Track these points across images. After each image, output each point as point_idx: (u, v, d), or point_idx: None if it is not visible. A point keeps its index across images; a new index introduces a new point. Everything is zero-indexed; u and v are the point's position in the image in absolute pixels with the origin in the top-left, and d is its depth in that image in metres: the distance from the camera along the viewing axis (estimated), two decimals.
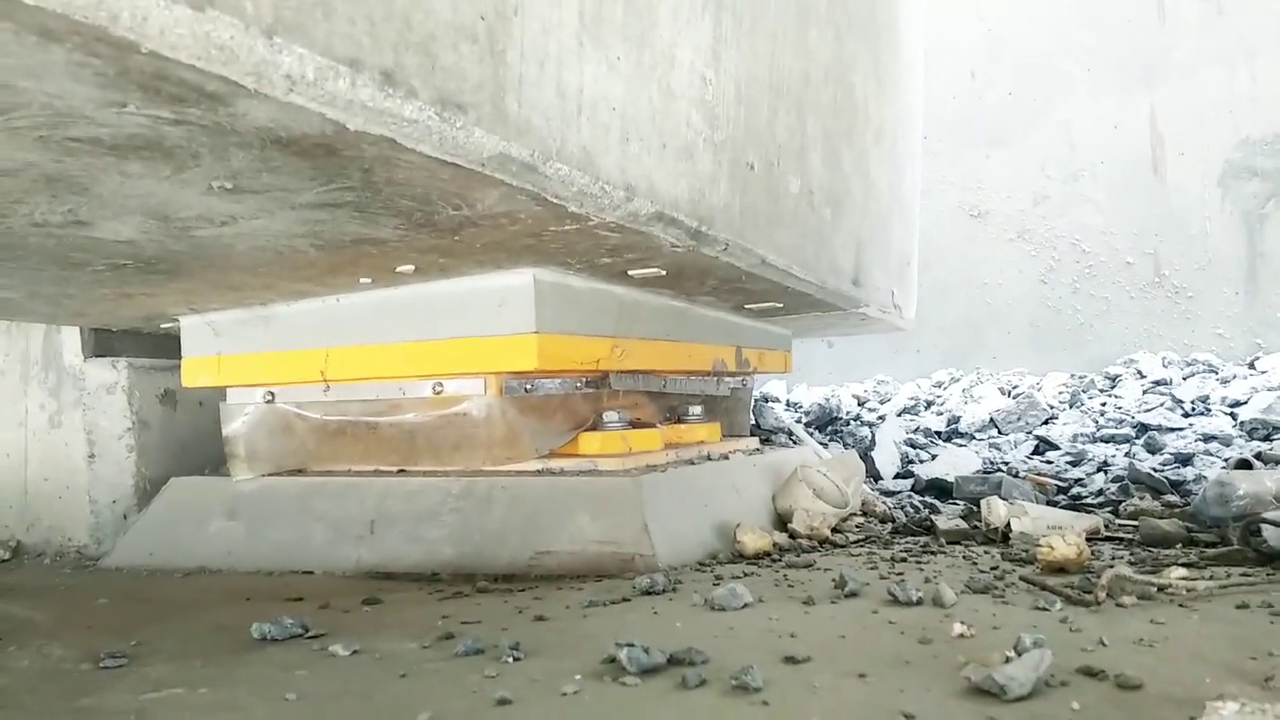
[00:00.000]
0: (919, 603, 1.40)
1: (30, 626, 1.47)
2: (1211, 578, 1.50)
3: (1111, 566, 1.47)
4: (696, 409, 2.53)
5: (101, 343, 2.35)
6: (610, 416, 2.12)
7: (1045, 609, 1.35)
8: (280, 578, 1.84)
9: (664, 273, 1.93)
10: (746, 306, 2.57)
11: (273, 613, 1.36)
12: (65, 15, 0.72)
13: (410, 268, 1.74)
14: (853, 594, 1.48)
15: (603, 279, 1.99)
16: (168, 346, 2.34)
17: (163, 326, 2.32)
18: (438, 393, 1.96)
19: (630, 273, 1.92)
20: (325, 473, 2.09)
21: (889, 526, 2.19)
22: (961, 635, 1.20)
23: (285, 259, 1.60)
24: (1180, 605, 1.35)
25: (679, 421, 2.48)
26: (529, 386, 1.97)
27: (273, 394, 2.11)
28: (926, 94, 3.65)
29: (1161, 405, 3.66)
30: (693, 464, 2.21)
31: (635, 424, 2.22)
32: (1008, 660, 1.00)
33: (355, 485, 2.00)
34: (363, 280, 1.85)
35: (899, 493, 2.76)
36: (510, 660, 1.15)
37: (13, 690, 1.12)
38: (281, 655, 1.24)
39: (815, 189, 2.19)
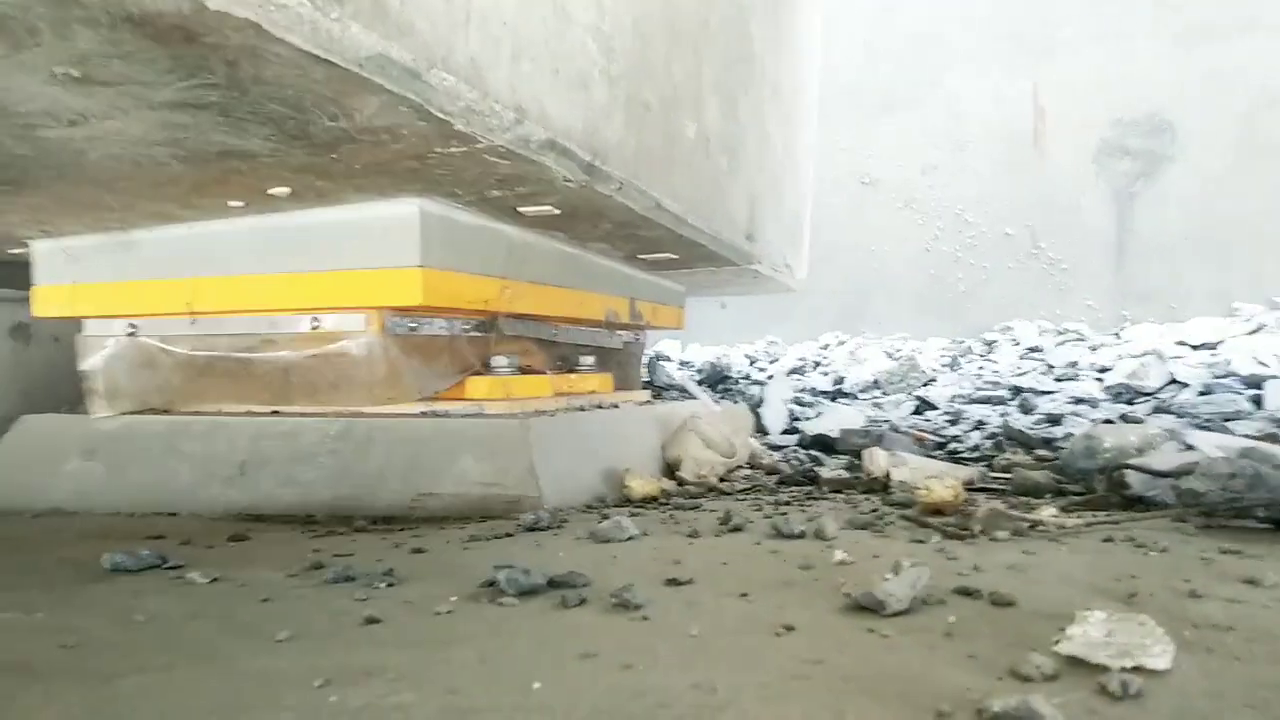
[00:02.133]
0: (801, 535, 1.42)
1: None
2: (1079, 518, 1.55)
3: (987, 504, 1.51)
4: (589, 359, 2.52)
5: None
6: (499, 361, 2.08)
7: (923, 541, 1.38)
8: (142, 519, 1.76)
9: (557, 211, 1.89)
10: (640, 256, 2.56)
11: (128, 548, 1.29)
12: None
13: (285, 190, 1.65)
14: (737, 528, 1.49)
15: (493, 215, 1.95)
16: (18, 276, 2.19)
17: (11, 252, 2.16)
18: (315, 328, 1.88)
19: (522, 210, 1.88)
20: (193, 412, 2.00)
21: (775, 478, 2.22)
22: (842, 562, 1.22)
23: (145, 172, 1.49)
24: (1051, 540, 1.40)
25: (571, 371, 2.46)
26: (413, 325, 1.90)
27: (135, 326, 2.00)
28: (822, 59, 3.67)
29: (1035, 370, 3.81)
30: (583, 410, 2.19)
31: (525, 370, 2.19)
32: (886, 580, 1.01)
33: (225, 425, 1.91)
34: (233, 204, 1.76)
35: (785, 447, 2.80)
36: (382, 586, 1.11)
37: None
38: (133, 584, 1.16)
39: (712, 136, 2.18)
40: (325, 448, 1.83)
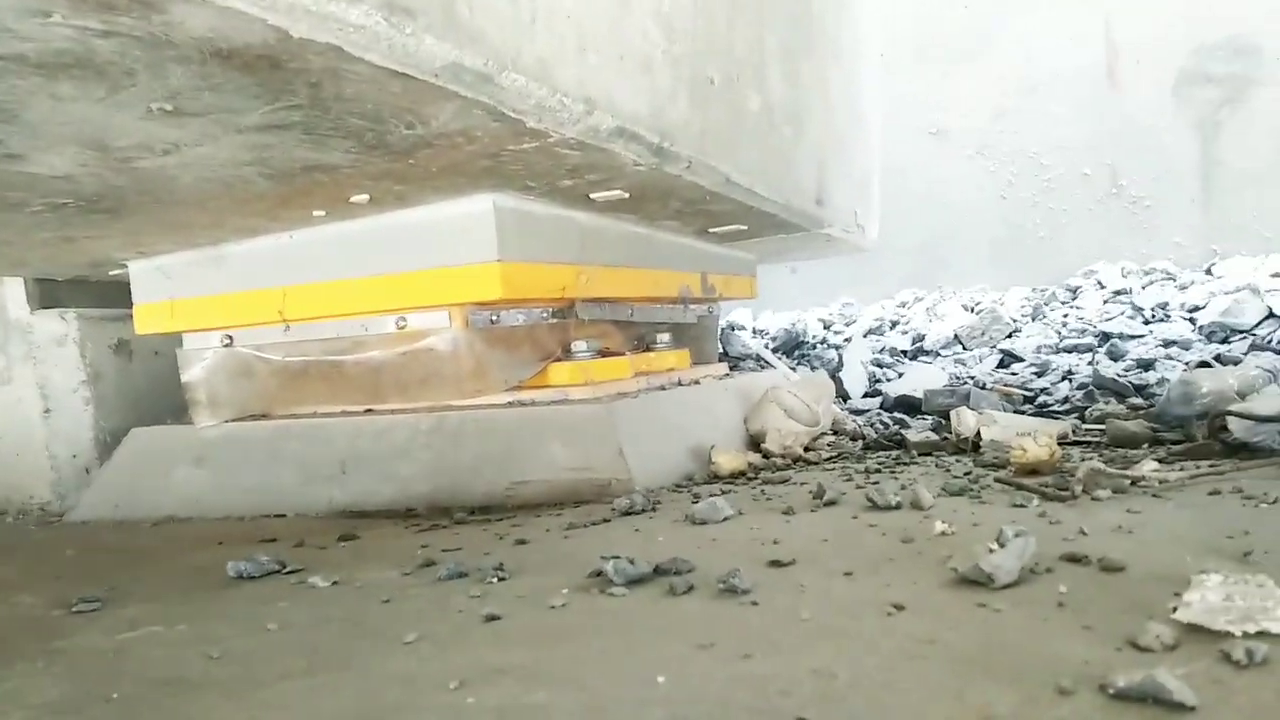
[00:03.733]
0: (897, 507, 1.41)
1: None
2: (1182, 470, 1.52)
3: (1086, 463, 1.49)
4: (665, 337, 2.54)
5: (48, 294, 2.28)
6: (579, 346, 2.11)
7: (1023, 506, 1.36)
8: (252, 522, 1.83)
9: (627, 195, 1.90)
10: (710, 230, 2.56)
11: (247, 554, 1.35)
12: None
13: (365, 197, 1.70)
14: (831, 503, 1.49)
15: (564, 204, 1.97)
16: (118, 295, 2.28)
17: (111, 274, 2.25)
18: (401, 328, 1.93)
19: (592, 196, 1.90)
20: (291, 416, 2.07)
21: (860, 443, 2.21)
22: (943, 533, 1.21)
23: (233, 191, 1.55)
24: (1154, 496, 1.37)
25: (648, 350, 2.48)
26: (494, 317, 1.94)
27: (231, 337, 2.07)
28: (884, 12, 3.60)
29: (1122, 314, 3.71)
30: (664, 389, 2.21)
31: (604, 353, 2.21)
32: (992, 551, 1.00)
33: (323, 426, 1.98)
34: (316, 213, 1.81)
35: (868, 411, 2.78)
36: (495, 581, 1.14)
37: None
38: (259, 590, 1.22)
39: (776, 106, 2.16)
40: (419, 442, 1.88)
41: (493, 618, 0.98)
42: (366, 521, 1.72)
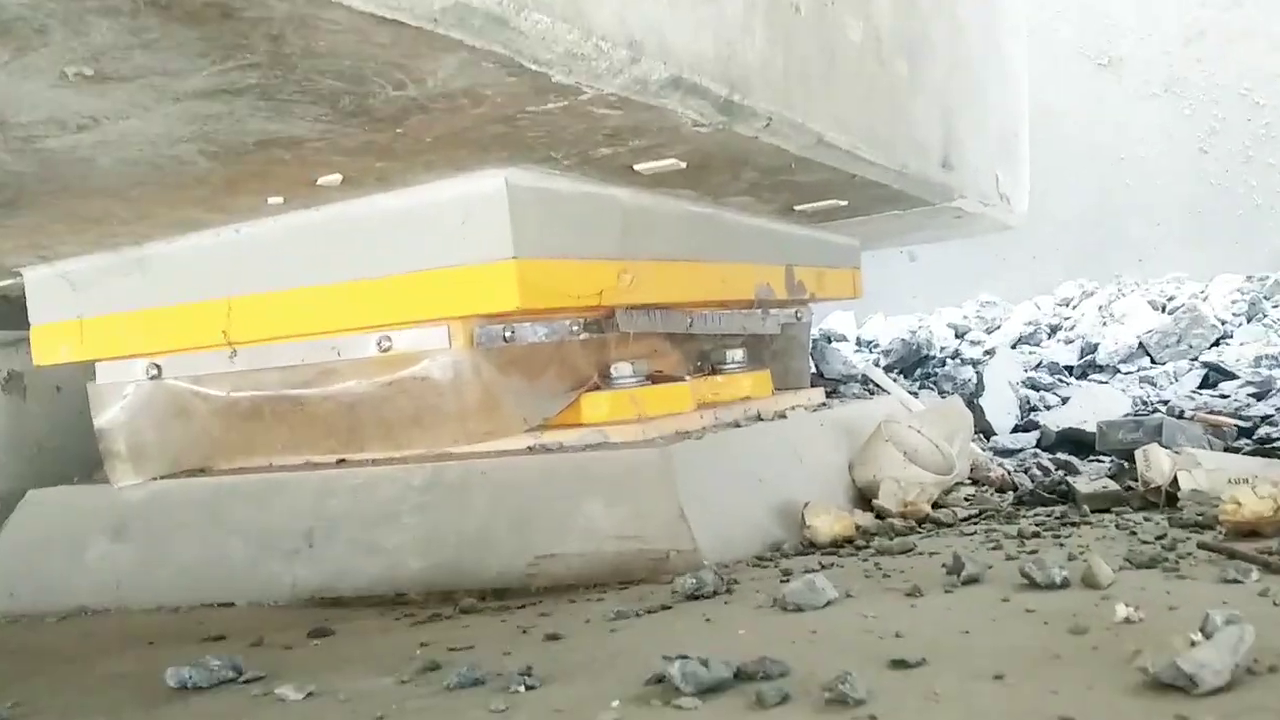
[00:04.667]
0: (1064, 584, 1.41)
1: None
2: None
3: None
4: (737, 354, 2.56)
5: None
6: (621, 370, 2.15)
7: (1237, 581, 1.36)
8: (191, 613, 1.87)
9: (684, 165, 1.93)
10: (797, 208, 2.58)
11: (190, 656, 1.37)
12: None
13: (337, 178, 1.74)
14: (972, 579, 1.50)
15: (601, 179, 2.00)
16: (8, 314, 2.35)
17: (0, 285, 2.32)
18: (384, 350, 1.97)
19: (638, 168, 1.93)
20: (239, 470, 2.11)
21: (1010, 496, 2.21)
22: (1127, 620, 1.21)
23: (165, 174, 1.61)
24: None
25: (714, 372, 2.51)
26: (508, 333, 1.97)
27: (159, 366, 2.10)
28: None
29: None
30: (738, 426, 2.23)
31: (656, 378, 2.24)
32: (1194, 644, 1.00)
33: (282, 483, 2.02)
34: (272, 200, 1.86)
35: (1020, 450, 2.80)
36: (521, 690, 1.16)
37: None
38: (211, 705, 1.25)
39: (885, 36, 2.19)
40: (410, 503, 1.90)
41: None
42: (343, 611, 1.74)
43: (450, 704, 1.16)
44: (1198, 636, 1.03)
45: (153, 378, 2.12)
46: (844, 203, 2.56)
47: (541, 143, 1.70)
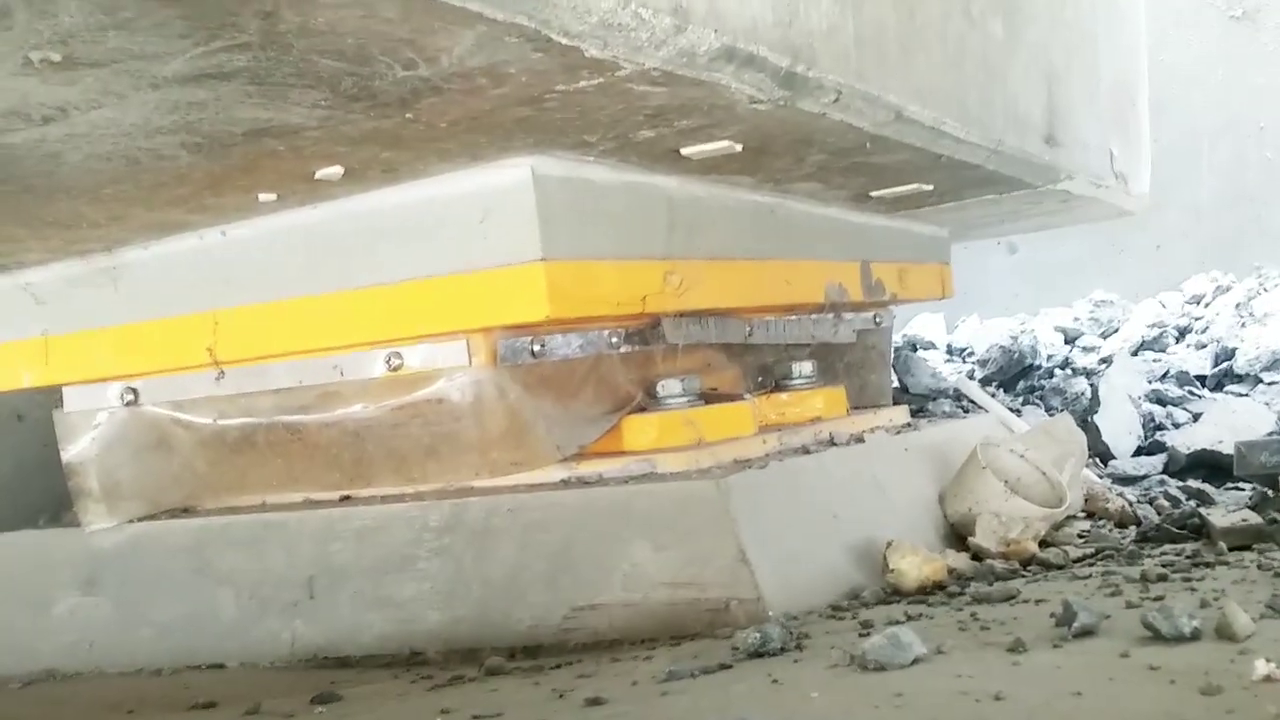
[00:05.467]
0: (1194, 636, 1.35)
1: None
2: None
3: None
4: (805, 367, 2.55)
5: None
6: (670, 387, 2.13)
7: None
8: (175, 675, 1.88)
9: (739, 148, 1.90)
10: (874, 195, 2.57)
11: None
12: None
13: (338, 170, 1.72)
14: (1087, 632, 1.43)
15: (642, 166, 1.98)
16: None
17: None
18: (395, 368, 1.94)
19: (685, 152, 1.90)
20: (229, 510, 2.10)
21: (1132, 532, 2.22)
22: (1268, 678, 1.15)
23: (142, 171, 1.59)
24: None
25: (778, 389, 2.51)
26: (537, 347, 1.93)
27: (135, 391, 2.10)
28: None
29: None
30: (807, 453, 2.20)
31: (710, 397, 2.23)
32: None
33: (278, 525, 2.01)
34: (264, 198, 1.83)
35: (1144, 477, 2.81)
36: None
37: None
38: None
39: None
40: (426, 546, 1.89)
41: None
42: (350, 673, 1.76)
43: None
44: None
45: (128, 404, 2.11)
46: (929, 187, 2.55)
47: (573, 126, 1.68)
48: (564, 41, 1.29)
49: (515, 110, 1.56)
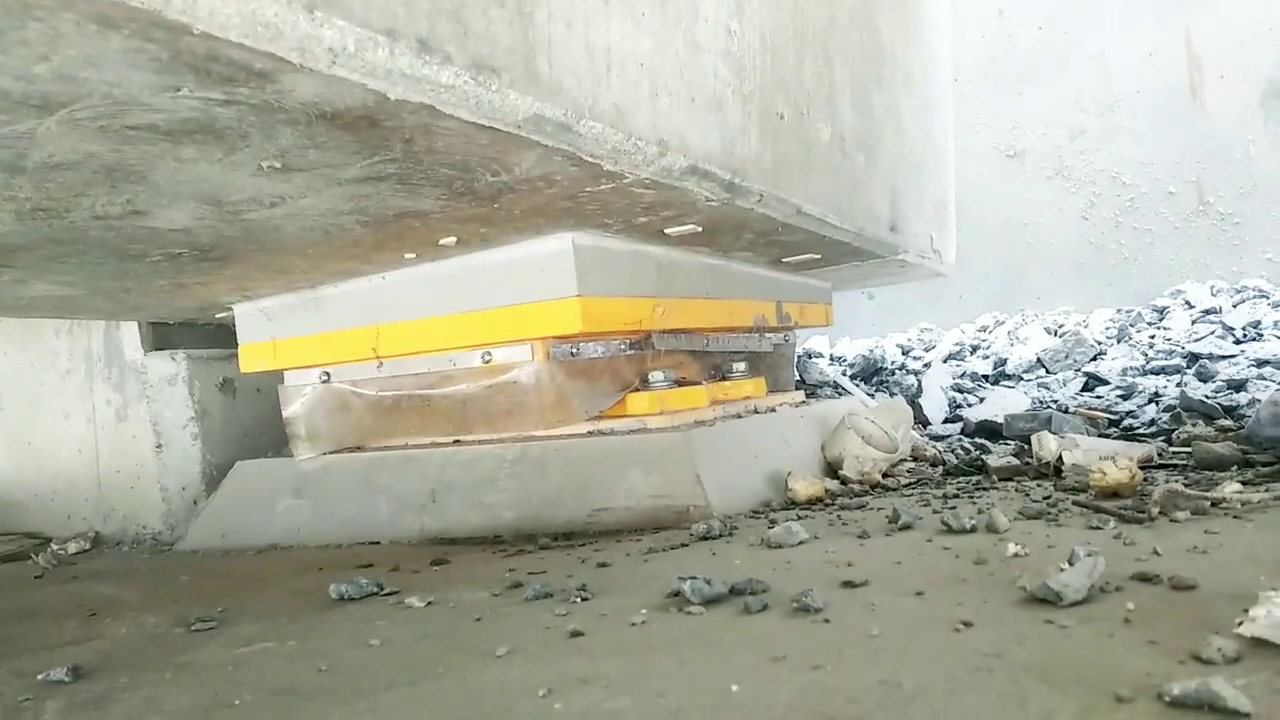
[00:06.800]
0: (973, 530, 1.41)
1: (121, 603, 1.55)
2: (1268, 491, 1.50)
3: (1164, 484, 1.48)
4: (740, 365, 2.54)
5: (160, 336, 2.41)
6: (656, 376, 2.14)
7: (1099, 528, 1.37)
8: (349, 549, 1.90)
9: (700, 229, 1.93)
10: (784, 260, 2.57)
11: (347, 578, 1.42)
12: (122, 2, 0.76)
13: (452, 239, 1.76)
14: (906, 526, 1.50)
15: (640, 239, 2.00)
16: (223, 336, 2.40)
17: (218, 316, 2.37)
18: (486, 362, 1.98)
19: (667, 231, 1.93)
20: (384, 447, 2.12)
21: (940, 469, 2.19)
22: (1016, 555, 1.22)
23: (332, 237, 1.64)
24: (1235, 518, 1.35)
25: (724, 379, 2.49)
26: (575, 350, 1.98)
27: (328, 374, 2.14)
28: (954, 36, 3.59)
29: (1212, 334, 3.61)
30: (740, 418, 2.22)
31: (681, 383, 2.23)
32: (1062, 570, 1.02)
33: (414, 457, 2.03)
34: (407, 256, 1.88)
35: (948, 437, 2.76)
36: (578, 600, 1.19)
37: (116, 653, 1.19)
38: (361, 610, 1.30)
39: (847, 135, 2.18)
40: (505, 472, 1.92)
41: (577, 634, 1.04)
42: (456, 548, 1.77)
43: (527, 610, 1.19)
44: (1065, 565, 1.05)
45: (324, 382, 2.15)
46: (818, 256, 2.55)
47: (597, 214, 1.71)
48: (590, 160, 1.33)
49: (561, 203, 1.57)
